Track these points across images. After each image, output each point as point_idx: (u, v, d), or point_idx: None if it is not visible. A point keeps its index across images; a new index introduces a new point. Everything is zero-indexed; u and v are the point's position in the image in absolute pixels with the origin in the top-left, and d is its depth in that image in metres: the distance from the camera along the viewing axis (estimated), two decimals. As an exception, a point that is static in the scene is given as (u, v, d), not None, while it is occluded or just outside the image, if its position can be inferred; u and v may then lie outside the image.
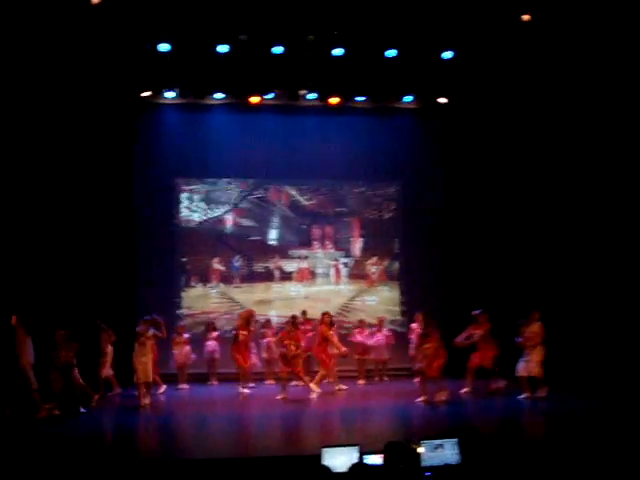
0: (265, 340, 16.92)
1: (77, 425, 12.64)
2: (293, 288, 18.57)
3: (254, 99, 17.44)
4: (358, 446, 6.92)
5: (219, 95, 17.51)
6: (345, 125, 18.52)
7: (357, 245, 18.87)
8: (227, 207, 18.45)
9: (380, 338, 17.14)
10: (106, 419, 13.62)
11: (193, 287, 18.23)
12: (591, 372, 14.51)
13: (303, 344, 15.81)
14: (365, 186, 18.89)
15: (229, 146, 18.15)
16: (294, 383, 15.70)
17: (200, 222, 18.38)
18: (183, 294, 18.13)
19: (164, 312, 16.26)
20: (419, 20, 14.62)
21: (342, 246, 18.82)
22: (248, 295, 18.27)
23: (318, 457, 6.77)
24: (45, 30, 13.89)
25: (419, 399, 14.11)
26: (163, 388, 15.84)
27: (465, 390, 15.04)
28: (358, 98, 17.92)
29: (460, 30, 14.96)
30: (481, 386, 14.95)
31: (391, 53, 15.60)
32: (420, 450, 6.79)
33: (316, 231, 18.66)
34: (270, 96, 17.48)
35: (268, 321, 17.28)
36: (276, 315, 18.01)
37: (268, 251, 18.53)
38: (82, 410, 13.55)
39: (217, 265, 18.32)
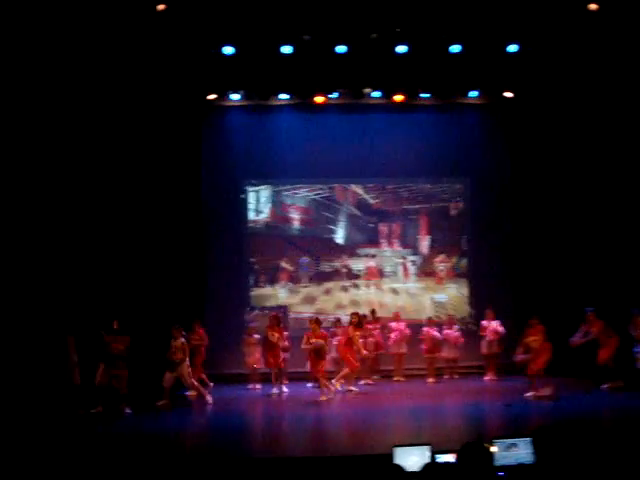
0: (335, 339, 16.86)
1: (140, 424, 12.88)
2: (361, 287, 18.54)
3: (319, 99, 17.49)
4: (430, 445, 6.88)
5: (284, 96, 17.60)
6: (410, 122, 18.42)
7: (424, 243, 18.76)
8: (294, 207, 18.52)
9: (450, 336, 16.99)
10: (176, 419, 13.77)
11: (261, 287, 18.35)
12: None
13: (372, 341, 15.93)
14: (431, 183, 18.77)
15: (295, 146, 18.20)
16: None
17: (267, 222, 18.49)
18: (252, 294, 18.26)
19: (233, 312, 16.41)
20: (483, 14, 14.44)
21: (409, 244, 18.73)
22: (316, 295, 18.32)
23: (389, 456, 6.74)
24: (114, 37, 14.12)
25: (528, 394, 13.92)
26: (210, 387, 15.80)
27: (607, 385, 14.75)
28: (423, 95, 17.81)
29: (525, 22, 14.72)
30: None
31: (455, 48, 15.45)
32: (493, 449, 6.71)
33: (383, 229, 18.61)
34: (334, 95, 17.53)
35: (338, 320, 17.20)
36: (345, 314, 17.99)
37: (335, 250, 18.55)
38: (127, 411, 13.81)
39: (285, 265, 18.41)
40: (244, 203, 18.39)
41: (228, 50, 15.27)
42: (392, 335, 17.03)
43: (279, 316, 15.95)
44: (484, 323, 16.66)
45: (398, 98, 17.56)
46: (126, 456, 9.88)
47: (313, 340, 14.76)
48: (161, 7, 13.50)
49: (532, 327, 14.27)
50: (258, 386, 16.51)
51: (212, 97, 17.50)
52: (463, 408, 13.67)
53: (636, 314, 14.22)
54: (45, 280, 14.67)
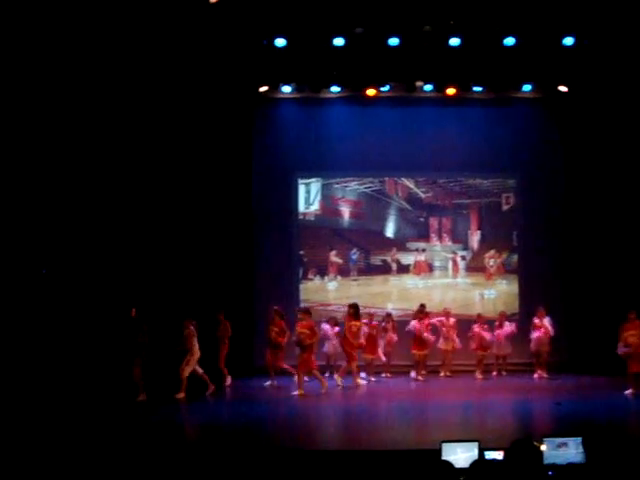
0: (386, 334, 16.80)
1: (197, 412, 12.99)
2: (410, 281, 18.46)
3: (370, 91, 17.40)
4: (478, 442, 6.82)
5: (335, 88, 17.54)
6: (462, 116, 18.23)
7: (475, 238, 18.60)
8: (344, 200, 18.49)
9: (503, 332, 16.79)
10: (226, 408, 13.87)
11: (311, 280, 18.36)
12: None
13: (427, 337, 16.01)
14: (483, 178, 18.59)
15: (346, 139, 18.13)
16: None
17: (317, 215, 18.49)
18: (301, 286, 18.27)
19: (282, 304, 16.46)
20: (538, 6, 14.24)
21: (460, 239, 18.59)
22: (365, 288, 18.27)
23: (437, 452, 6.71)
24: (167, 30, 14.25)
25: (627, 392, 13.74)
26: (229, 381, 15.82)
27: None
28: (475, 88, 17.61)
29: (581, 14, 14.48)
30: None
31: (509, 41, 15.25)
32: (542, 448, 6.62)
33: (433, 224, 18.49)
34: (386, 88, 17.43)
35: (389, 315, 17.10)
36: (393, 308, 17.95)
37: (385, 244, 18.48)
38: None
39: (334, 258, 18.38)
40: (294, 195, 18.41)
41: (280, 42, 15.27)
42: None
43: (280, 310, 15.79)
44: (536, 320, 16.42)
45: (450, 91, 17.39)
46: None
47: (299, 331, 14.71)
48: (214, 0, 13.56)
49: (630, 322, 14.06)
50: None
51: (264, 89, 17.51)
52: (512, 405, 13.54)
53: None
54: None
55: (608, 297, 16.41)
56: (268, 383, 15.72)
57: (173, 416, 12.84)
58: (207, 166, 16.99)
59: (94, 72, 14.79)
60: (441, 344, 16.86)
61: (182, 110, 16.45)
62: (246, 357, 16.86)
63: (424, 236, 18.52)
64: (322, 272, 18.39)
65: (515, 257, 18.51)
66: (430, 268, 18.54)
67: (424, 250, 18.51)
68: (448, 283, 18.50)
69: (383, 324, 16.76)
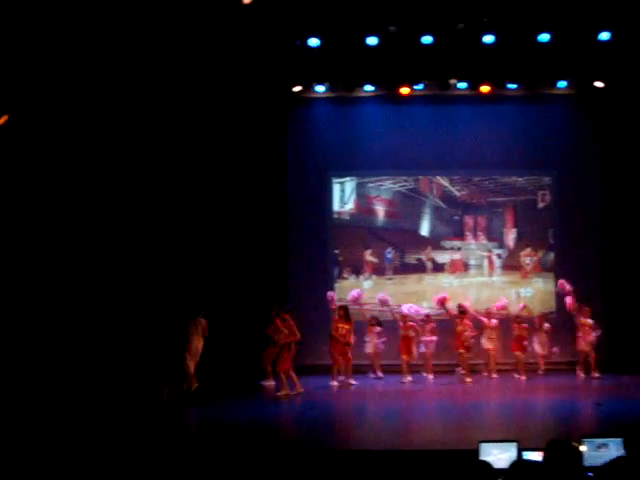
0: (425, 335, 16.69)
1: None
2: (445, 280, 18.37)
3: (404, 90, 17.34)
4: (516, 442, 6.77)
5: (369, 87, 17.53)
6: (497, 113, 18.14)
7: (510, 236, 18.48)
8: (378, 199, 18.46)
9: (541, 333, 16.61)
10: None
11: (346, 279, 18.36)
12: None
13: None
14: (518, 175, 18.46)
15: (379, 138, 18.11)
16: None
17: (352, 214, 18.48)
18: (336, 285, 18.26)
19: (317, 304, 16.50)
20: (572, 1, 14.12)
21: (495, 237, 18.48)
22: (400, 287, 18.23)
23: (475, 452, 6.67)
24: (201, 31, 14.33)
25: None
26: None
27: None
28: (510, 85, 17.51)
29: (617, 9, 14.32)
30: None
31: (544, 37, 15.14)
32: (582, 449, 6.56)
33: (469, 222, 18.40)
34: (420, 86, 17.38)
35: (428, 316, 16.89)
36: (428, 307, 17.87)
37: (420, 242, 18.43)
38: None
39: (369, 257, 18.36)
40: (329, 194, 18.41)
41: (313, 42, 15.28)
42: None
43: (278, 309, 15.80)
44: (580, 319, 16.22)
45: (484, 89, 17.29)
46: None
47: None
48: (247, 0, 13.59)
49: None
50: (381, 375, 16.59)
51: (297, 89, 17.54)
52: (552, 405, 13.42)
53: None
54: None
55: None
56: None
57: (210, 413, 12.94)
58: (241, 167, 17.09)
59: (132, 73, 14.92)
60: (484, 344, 16.69)
61: (217, 111, 16.56)
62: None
63: (459, 234, 18.44)
64: (357, 271, 18.37)
65: (551, 255, 18.35)
66: (465, 267, 18.45)
67: (459, 249, 18.43)
68: (484, 281, 18.38)
69: (422, 324, 16.64)
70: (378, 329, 16.56)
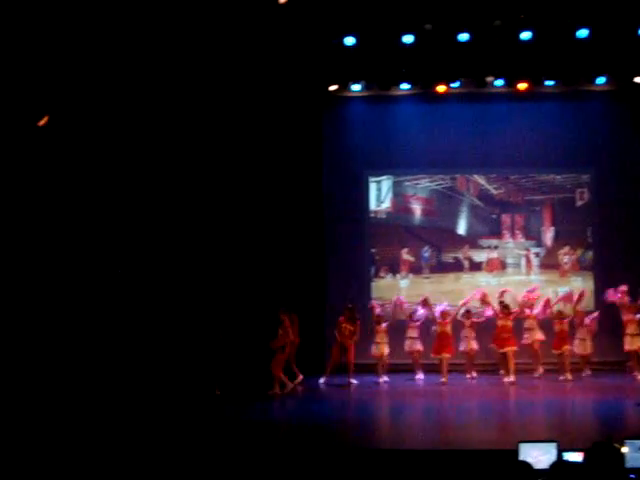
0: (463, 331, 16.56)
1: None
2: (483, 278, 18.26)
3: (440, 88, 17.26)
4: (556, 442, 6.73)
5: (405, 86, 17.47)
6: (534, 111, 17.98)
7: (548, 234, 18.32)
8: (415, 197, 18.41)
9: (582, 331, 16.37)
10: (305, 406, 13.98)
11: (382, 278, 18.32)
12: None
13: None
14: (556, 173, 18.28)
15: (416, 136, 18.06)
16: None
17: (389, 213, 18.45)
18: (373, 285, 18.25)
19: (354, 303, 16.51)
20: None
21: (533, 235, 18.33)
22: (437, 286, 18.16)
23: (514, 452, 6.64)
24: (237, 31, 14.41)
25: None
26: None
27: None
28: (547, 82, 17.36)
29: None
30: None
31: (582, 33, 14.99)
32: (624, 450, 6.49)
33: (506, 220, 18.27)
34: (456, 84, 17.28)
35: (468, 312, 16.70)
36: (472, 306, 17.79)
37: (457, 241, 18.34)
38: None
39: (406, 256, 18.31)
40: (365, 193, 18.39)
41: (349, 41, 15.29)
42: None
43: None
44: (626, 318, 15.97)
45: (522, 86, 17.17)
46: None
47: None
48: (283, 0, 13.63)
49: None
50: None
51: (333, 88, 17.55)
52: (594, 405, 13.28)
53: None
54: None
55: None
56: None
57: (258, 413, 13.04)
58: (278, 167, 17.15)
59: (170, 73, 15.07)
60: (527, 338, 16.31)
61: (253, 111, 16.64)
62: (318, 356, 16.88)
63: (496, 233, 18.32)
64: (394, 270, 18.33)
65: (590, 253, 18.16)
66: (503, 265, 18.32)
67: (496, 247, 18.31)
68: (521, 280, 18.20)
69: (462, 320, 16.50)
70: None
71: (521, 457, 6.44)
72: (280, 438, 10.81)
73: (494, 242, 18.30)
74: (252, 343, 15.53)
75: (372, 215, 18.42)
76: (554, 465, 5.46)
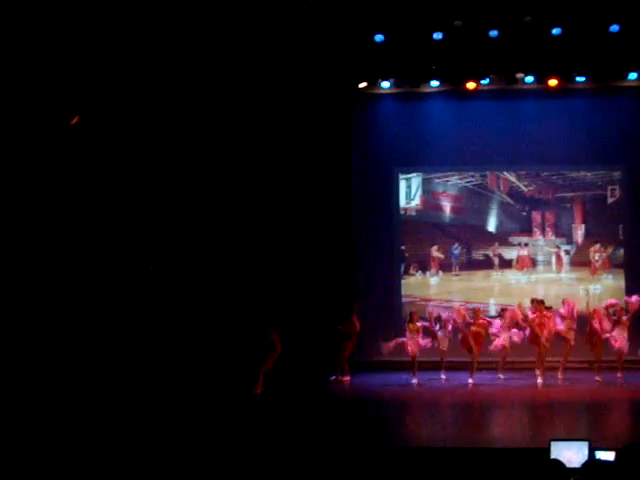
0: (494, 328, 16.33)
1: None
2: (513, 276, 18.20)
3: (470, 85, 17.20)
4: (588, 441, 6.71)
5: (435, 83, 17.42)
6: (565, 107, 17.82)
7: (579, 232, 18.19)
8: (445, 195, 18.37)
9: (617, 328, 16.05)
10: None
11: (412, 275, 18.31)
12: None
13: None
14: (587, 170, 18.15)
15: (446, 133, 17.98)
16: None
17: (418, 210, 18.42)
18: (402, 282, 18.24)
19: (384, 300, 16.52)
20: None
21: (563, 233, 18.21)
22: (467, 283, 18.13)
23: (546, 450, 6.62)
24: (267, 29, 14.48)
25: None
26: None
27: None
28: (578, 78, 17.22)
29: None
30: None
31: (613, 28, 14.87)
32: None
33: (536, 217, 18.17)
34: (486, 81, 17.21)
35: (503, 310, 16.43)
36: (495, 304, 17.75)
37: (487, 238, 18.27)
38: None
39: (436, 253, 18.27)
40: (395, 191, 18.37)
41: (379, 38, 15.30)
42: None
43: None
44: None
45: (552, 82, 17.04)
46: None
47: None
48: (313, -2, 13.71)
49: None
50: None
51: (363, 85, 17.55)
52: (627, 405, 13.17)
53: None
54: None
55: None
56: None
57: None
58: (307, 164, 17.18)
59: (207, 72, 15.18)
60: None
61: (283, 108, 16.68)
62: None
63: (527, 230, 18.23)
64: (424, 267, 18.30)
65: (621, 251, 18.00)
66: (533, 263, 18.24)
67: (527, 245, 18.23)
68: (552, 278, 18.13)
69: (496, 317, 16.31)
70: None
71: (552, 455, 6.43)
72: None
73: (524, 239, 18.21)
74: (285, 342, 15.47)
75: (402, 212, 18.40)
76: (586, 464, 5.44)
